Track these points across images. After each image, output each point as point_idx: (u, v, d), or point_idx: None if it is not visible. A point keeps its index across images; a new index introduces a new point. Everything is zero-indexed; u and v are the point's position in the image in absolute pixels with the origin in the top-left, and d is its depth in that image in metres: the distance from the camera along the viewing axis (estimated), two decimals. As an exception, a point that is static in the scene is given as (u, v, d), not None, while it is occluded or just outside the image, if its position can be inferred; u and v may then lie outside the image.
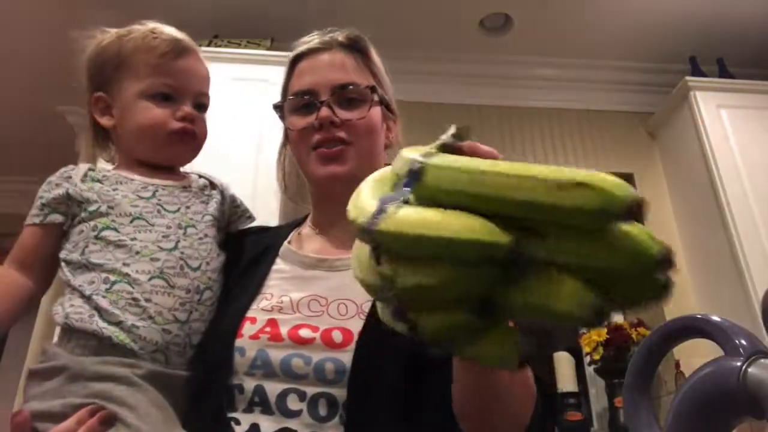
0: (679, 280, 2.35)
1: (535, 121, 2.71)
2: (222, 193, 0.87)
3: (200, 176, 0.88)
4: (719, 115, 2.37)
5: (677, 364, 2.13)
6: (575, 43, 2.62)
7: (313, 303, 0.69)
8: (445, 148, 0.48)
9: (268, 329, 0.67)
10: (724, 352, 0.51)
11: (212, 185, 0.87)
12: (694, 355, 2.15)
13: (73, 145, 2.59)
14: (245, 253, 0.81)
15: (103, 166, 0.84)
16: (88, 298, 0.68)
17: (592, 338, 2.26)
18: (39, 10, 2.29)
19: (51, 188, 0.77)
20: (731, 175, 2.25)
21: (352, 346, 0.63)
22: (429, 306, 0.38)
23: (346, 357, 0.63)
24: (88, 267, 0.71)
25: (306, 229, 0.85)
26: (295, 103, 0.81)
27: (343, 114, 0.77)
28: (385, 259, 0.39)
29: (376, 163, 0.82)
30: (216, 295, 0.76)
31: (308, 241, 0.82)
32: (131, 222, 0.73)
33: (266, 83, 1.97)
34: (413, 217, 0.37)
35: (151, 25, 0.86)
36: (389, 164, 0.54)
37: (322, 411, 0.62)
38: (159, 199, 0.78)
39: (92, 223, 0.73)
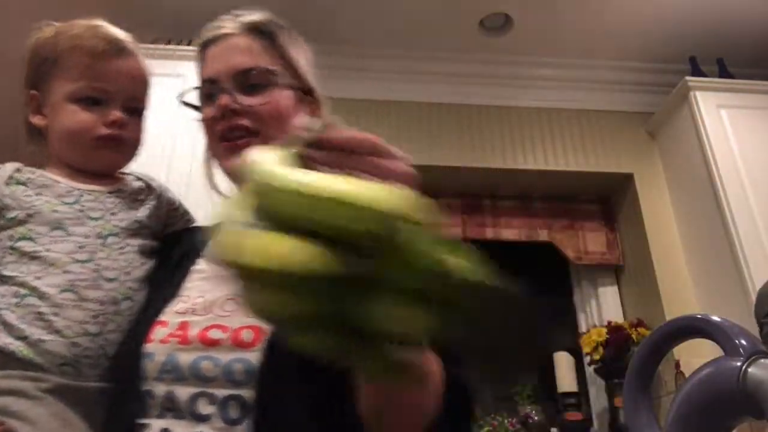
0: (679, 280, 2.34)
1: (535, 121, 2.70)
2: (159, 197, 0.84)
3: (138, 178, 0.86)
4: (719, 115, 2.36)
5: (677, 364, 2.13)
6: (575, 43, 2.62)
7: (228, 302, 0.67)
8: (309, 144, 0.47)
9: (178, 332, 0.65)
10: (724, 352, 0.51)
11: (150, 188, 0.85)
12: (694, 355, 2.15)
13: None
14: (174, 255, 0.79)
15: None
16: None
17: (592, 338, 2.26)
18: (39, 8, 2.29)
19: None
20: (731, 175, 2.25)
21: (262, 344, 0.61)
22: (296, 329, 0.39)
23: (255, 357, 0.60)
24: (1, 279, 0.69)
25: None
26: (200, 93, 0.78)
27: (244, 100, 0.73)
28: (236, 281, 0.39)
29: None
30: (138, 304, 0.73)
31: None
32: (49, 232, 0.71)
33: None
34: (251, 247, 0.37)
35: (93, 22, 0.83)
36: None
37: (233, 414, 0.59)
38: (82, 206, 0.76)
39: (9, 232, 0.71)
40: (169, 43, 2.28)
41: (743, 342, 0.50)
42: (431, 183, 2.22)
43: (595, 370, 2.32)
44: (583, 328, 2.62)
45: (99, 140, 0.79)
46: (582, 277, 2.74)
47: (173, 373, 0.63)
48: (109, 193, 0.80)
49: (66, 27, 0.83)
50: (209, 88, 0.76)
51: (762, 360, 0.47)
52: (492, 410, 2.29)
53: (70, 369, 0.67)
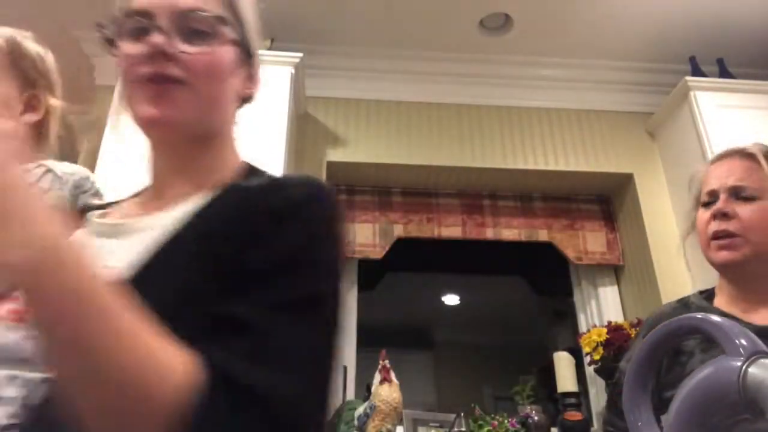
0: (679, 280, 2.34)
1: (535, 121, 2.71)
2: (60, 180, 0.88)
3: (42, 165, 0.90)
4: (719, 115, 2.36)
5: (677, 364, 2.13)
6: (575, 43, 2.62)
7: None
8: None
9: (21, 308, 0.57)
10: (724, 352, 0.51)
11: (49, 173, 0.89)
12: (694, 355, 2.13)
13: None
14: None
15: None
16: None
17: (592, 338, 2.26)
18: (41, 12, 2.29)
19: None
20: (731, 175, 2.24)
21: None
22: None
23: None
24: None
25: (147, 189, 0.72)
26: (126, 25, 0.64)
27: (181, 45, 0.62)
28: None
29: (220, 115, 0.68)
30: None
31: (138, 203, 0.70)
32: None
33: (266, 84, 1.97)
34: None
35: None
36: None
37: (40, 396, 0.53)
38: None
39: None
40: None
41: (743, 342, 0.50)
42: (431, 183, 2.24)
43: (595, 370, 2.32)
44: (583, 328, 2.62)
45: None
46: (582, 277, 2.74)
47: None
48: None
49: None
50: (139, 22, 0.63)
51: (762, 360, 0.47)
52: (492, 410, 2.29)
53: None
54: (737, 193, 1.12)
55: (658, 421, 0.58)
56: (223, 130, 0.70)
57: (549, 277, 2.82)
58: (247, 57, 0.70)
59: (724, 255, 1.09)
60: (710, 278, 1.19)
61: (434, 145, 2.60)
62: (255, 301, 0.50)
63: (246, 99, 0.73)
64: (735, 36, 2.56)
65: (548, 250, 2.68)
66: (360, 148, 2.59)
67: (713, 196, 1.14)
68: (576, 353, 2.35)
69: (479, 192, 2.72)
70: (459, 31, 2.56)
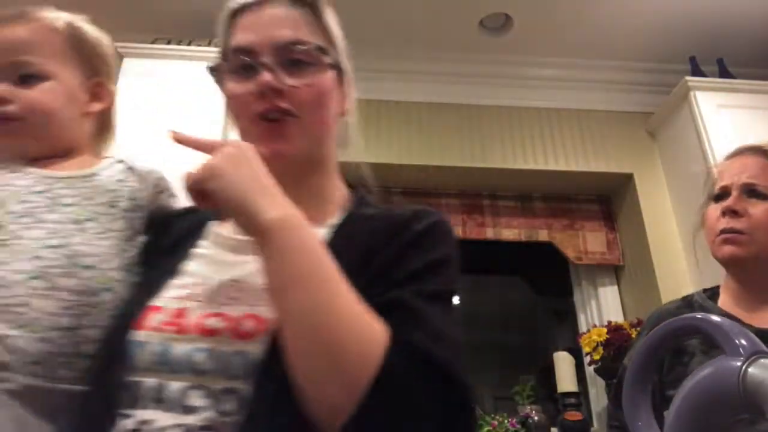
0: (679, 280, 2.34)
1: (535, 121, 2.71)
2: (143, 179, 0.80)
3: (120, 160, 0.81)
4: (719, 115, 2.36)
5: (677, 364, 2.12)
6: (575, 43, 2.62)
7: (230, 289, 0.62)
8: None
9: (174, 320, 0.59)
10: (724, 352, 0.51)
11: (132, 171, 0.80)
12: (694, 355, 2.14)
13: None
14: (169, 236, 0.73)
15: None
16: None
17: (592, 338, 2.26)
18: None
19: None
20: (731, 175, 2.24)
21: (263, 336, 0.56)
22: None
23: (256, 349, 0.56)
24: None
25: None
26: (231, 63, 0.68)
27: (288, 80, 0.66)
28: None
29: (326, 136, 0.73)
30: (121, 296, 0.67)
31: None
32: (19, 218, 0.66)
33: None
34: None
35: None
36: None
37: (229, 407, 0.55)
38: (55, 193, 0.71)
39: None
40: (169, 43, 2.28)
41: (743, 342, 0.50)
42: (431, 183, 2.24)
43: (595, 370, 2.32)
44: (583, 328, 2.62)
45: None
46: (582, 277, 2.74)
47: (165, 364, 0.57)
48: (86, 177, 0.75)
49: None
50: (244, 60, 0.67)
51: (762, 360, 0.47)
52: (492, 410, 2.29)
53: (40, 369, 0.61)
54: (749, 191, 1.11)
55: (662, 417, 0.58)
56: (329, 153, 0.75)
57: (549, 277, 2.82)
58: (341, 76, 0.74)
59: (728, 250, 1.09)
60: (710, 279, 1.19)
61: (434, 145, 2.60)
62: (412, 291, 0.59)
63: (342, 115, 0.77)
64: (735, 36, 2.56)
65: (548, 250, 2.68)
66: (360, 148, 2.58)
67: (725, 191, 1.14)
68: (576, 353, 2.35)
69: (479, 192, 2.72)
70: (459, 31, 2.56)
